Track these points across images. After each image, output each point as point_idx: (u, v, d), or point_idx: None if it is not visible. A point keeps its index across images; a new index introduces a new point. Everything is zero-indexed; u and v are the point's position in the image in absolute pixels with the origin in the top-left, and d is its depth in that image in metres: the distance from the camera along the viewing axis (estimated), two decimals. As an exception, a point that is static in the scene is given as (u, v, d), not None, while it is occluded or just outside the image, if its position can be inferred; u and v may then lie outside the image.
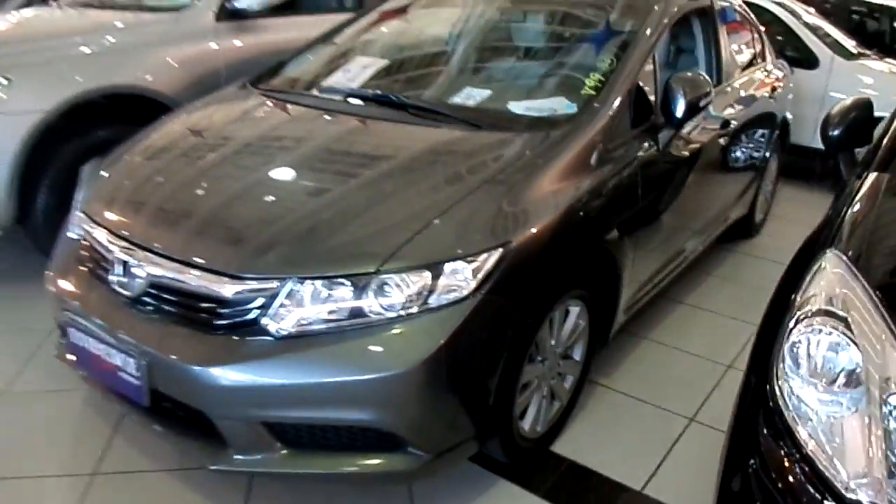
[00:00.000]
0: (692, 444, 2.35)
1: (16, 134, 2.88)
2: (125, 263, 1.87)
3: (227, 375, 1.66)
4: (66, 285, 2.03)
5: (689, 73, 2.51)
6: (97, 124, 3.13)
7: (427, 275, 1.68)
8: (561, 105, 2.31)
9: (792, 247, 4.00)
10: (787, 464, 1.20)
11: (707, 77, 2.55)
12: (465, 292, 1.70)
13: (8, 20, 3.58)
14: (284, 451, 1.75)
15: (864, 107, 2.11)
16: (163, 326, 1.78)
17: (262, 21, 3.72)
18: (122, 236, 1.91)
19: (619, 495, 2.11)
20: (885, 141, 1.86)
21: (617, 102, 2.29)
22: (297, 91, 2.68)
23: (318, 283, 1.68)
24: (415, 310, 1.67)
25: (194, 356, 1.69)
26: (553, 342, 2.10)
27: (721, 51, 3.19)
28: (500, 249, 1.76)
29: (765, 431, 1.27)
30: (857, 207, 1.63)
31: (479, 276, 1.72)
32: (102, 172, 2.27)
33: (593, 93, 2.31)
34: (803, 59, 5.16)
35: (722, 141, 3.07)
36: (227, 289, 1.70)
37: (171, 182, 2.08)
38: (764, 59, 3.92)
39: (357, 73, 2.66)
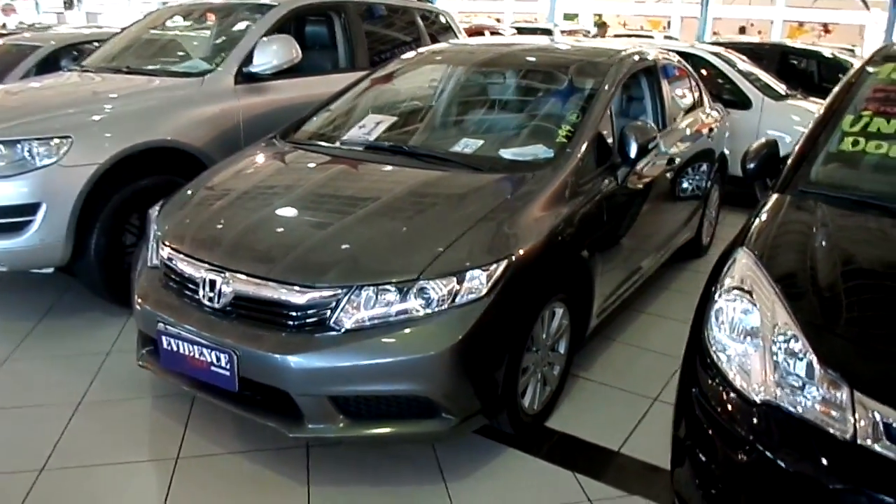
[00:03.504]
0: (657, 417, 2.92)
1: (77, 183, 3.38)
2: (212, 282, 2.40)
3: (306, 361, 2.19)
4: (157, 303, 2.54)
5: (639, 122, 3.16)
6: (139, 175, 3.65)
7: (454, 280, 2.25)
8: (540, 151, 2.93)
9: None
10: (715, 386, 1.79)
11: (653, 124, 3.21)
12: (482, 293, 2.27)
13: (58, 86, 4.09)
14: (345, 420, 2.27)
15: (773, 145, 2.76)
16: (248, 328, 2.31)
17: (272, 83, 4.29)
18: (207, 261, 2.44)
19: (601, 454, 2.67)
20: (784, 171, 2.50)
21: (584, 147, 2.91)
22: (322, 143, 3.26)
23: (372, 289, 2.24)
24: (445, 307, 2.23)
25: (280, 348, 2.22)
26: (544, 336, 2.67)
27: (665, 99, 3.87)
28: (506, 260, 2.34)
29: (700, 368, 1.86)
30: (762, 218, 2.25)
31: (492, 281, 2.29)
32: (178, 212, 2.79)
33: (565, 140, 2.94)
34: (738, 101, 5.94)
35: (669, 175, 3.72)
36: (302, 297, 2.25)
37: (242, 217, 2.62)
38: (702, 104, 4.63)
39: (371, 127, 3.25)
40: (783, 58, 7.74)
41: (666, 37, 19.18)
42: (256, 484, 2.46)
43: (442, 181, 2.73)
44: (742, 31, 28.76)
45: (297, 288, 2.26)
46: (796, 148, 2.57)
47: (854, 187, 2.35)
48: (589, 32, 15.10)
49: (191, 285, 2.49)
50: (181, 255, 2.55)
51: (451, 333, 2.22)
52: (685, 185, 4.04)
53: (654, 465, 2.60)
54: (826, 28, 26.75)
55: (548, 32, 13.92)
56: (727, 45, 7.24)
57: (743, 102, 5.97)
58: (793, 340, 1.75)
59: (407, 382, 2.22)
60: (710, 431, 1.81)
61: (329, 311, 2.25)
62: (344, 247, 2.37)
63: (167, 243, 2.65)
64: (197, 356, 2.38)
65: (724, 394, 1.78)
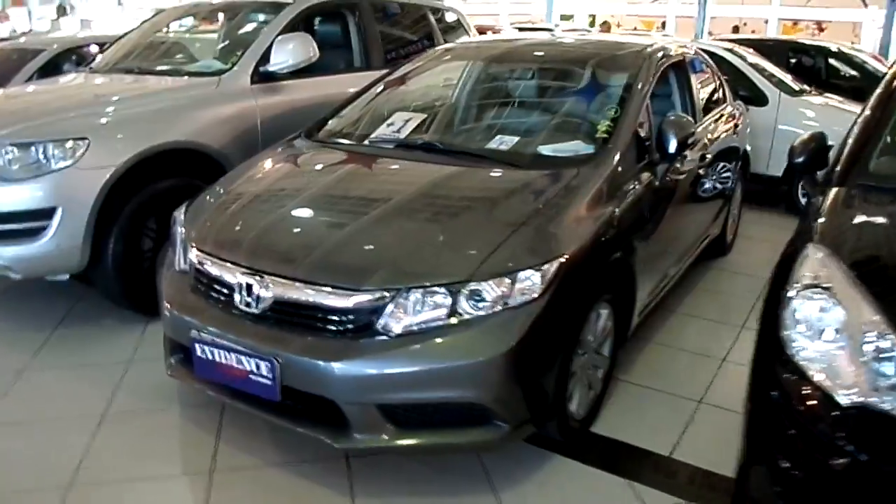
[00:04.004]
0: (704, 420, 2.83)
1: (94, 187, 3.26)
2: (250, 287, 2.28)
3: (354, 368, 2.09)
4: (189, 309, 2.42)
5: (677, 116, 3.07)
6: (157, 177, 3.53)
7: (507, 281, 2.15)
8: (580, 147, 2.84)
9: (757, 261, 4.81)
10: (798, 389, 1.69)
11: (690, 118, 3.12)
12: (535, 295, 2.17)
13: (70, 87, 3.97)
14: (393, 430, 2.16)
15: (820, 139, 2.68)
16: (291, 334, 2.20)
17: (289, 82, 4.18)
18: (244, 265, 2.32)
19: (652, 460, 2.57)
20: (838, 165, 2.41)
21: (625, 143, 2.82)
22: (350, 142, 3.16)
23: (421, 291, 2.13)
24: (499, 309, 2.13)
25: (327, 354, 2.11)
26: (591, 338, 2.57)
27: (694, 94, 3.78)
28: (558, 260, 2.24)
29: (780, 372, 1.76)
30: (827, 213, 2.16)
31: (545, 281, 2.19)
32: (208, 214, 2.68)
33: (605, 136, 2.84)
34: (753, 97, 5.86)
35: (700, 172, 3.63)
36: (349, 301, 2.14)
37: (279, 219, 2.51)
38: (725, 100, 4.55)
39: (400, 125, 3.14)
40: (791, 54, 7.68)
41: (664, 36, 19.14)
42: (299, 497, 2.35)
43: (484, 179, 2.63)
44: (735, 30, 28.80)
45: (342, 291, 2.15)
46: (849, 141, 2.48)
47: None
48: (588, 32, 15.05)
49: (225, 290, 2.38)
50: (214, 259, 2.44)
51: (505, 337, 2.11)
52: (714, 182, 3.95)
53: (708, 470, 2.50)
54: (820, 26, 26.79)
55: (548, 30, 13.84)
56: (736, 42, 7.18)
57: (758, 98, 5.89)
58: (882, 338, 1.66)
59: (460, 389, 2.12)
60: (794, 436, 1.72)
61: (376, 315, 2.14)
62: (391, 248, 2.27)
63: (197, 246, 2.54)
64: (235, 364, 2.26)
65: (809, 397, 1.68)
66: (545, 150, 2.84)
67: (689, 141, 3.01)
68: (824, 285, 1.82)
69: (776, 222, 5.71)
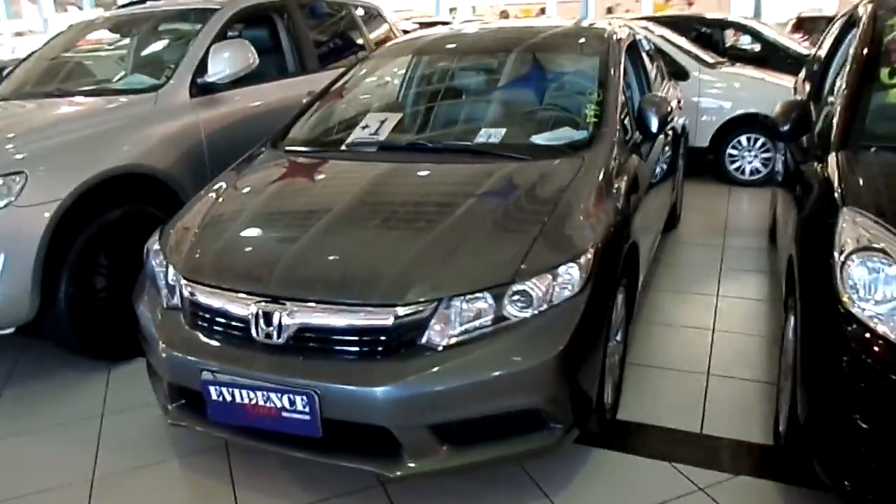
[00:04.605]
0: (720, 391, 2.86)
1: (38, 226, 2.91)
2: (267, 316, 2.08)
3: (406, 389, 1.94)
4: (195, 349, 2.18)
5: (654, 95, 3.08)
6: (103, 207, 3.20)
7: (549, 278, 2.06)
8: (572, 134, 2.79)
9: (703, 230, 4.95)
10: (873, 348, 1.71)
11: (665, 97, 3.14)
12: (577, 289, 2.10)
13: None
14: (448, 450, 2.03)
15: (802, 105, 2.76)
16: (327, 362, 2.02)
17: (228, 93, 3.91)
18: (258, 293, 2.11)
19: (687, 439, 2.56)
20: (834, 129, 2.48)
21: (616, 126, 2.80)
22: (325, 149, 2.96)
23: (463, 299, 2.01)
24: (544, 308, 2.04)
25: (374, 379, 1.94)
26: (614, 324, 2.53)
27: (648, 74, 3.84)
28: (593, 250, 2.18)
29: (851, 335, 1.78)
30: (843, 177, 2.21)
31: (584, 274, 2.12)
32: (193, 243, 2.42)
33: (596, 120, 2.81)
34: (675, 72, 6.05)
35: (666, 148, 3.69)
36: (389, 319, 1.98)
37: (285, 239, 2.31)
38: (664, 77, 4.66)
39: (376, 127, 2.98)
40: (697, 29, 8.01)
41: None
42: (347, 535, 2.18)
43: (490, 174, 2.52)
44: (609, 11, 29.93)
45: (379, 309, 2.00)
46: (837, 104, 2.56)
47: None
48: (486, 21, 15.12)
49: (237, 322, 2.16)
50: (216, 290, 2.21)
51: (557, 336, 2.02)
52: (673, 156, 4.04)
53: (744, 441, 2.53)
54: (689, 1, 28.30)
55: (446, 24, 13.79)
56: (648, 20, 7.40)
57: (680, 73, 6.09)
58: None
59: (517, 396, 2.01)
60: (870, 393, 1.74)
61: (419, 331, 2.00)
62: (423, 258, 2.12)
63: (190, 279, 2.30)
64: (262, 403, 2.06)
65: (882, 353, 1.70)
66: (538, 139, 2.77)
67: (668, 119, 3.02)
68: (875, 246, 1.85)
69: (707, 191, 5.94)
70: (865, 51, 2.62)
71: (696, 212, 5.30)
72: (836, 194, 2.14)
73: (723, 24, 8.22)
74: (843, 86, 2.59)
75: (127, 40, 4.47)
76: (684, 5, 28.88)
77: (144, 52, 4.26)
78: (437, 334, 2.00)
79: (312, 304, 2.05)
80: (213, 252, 2.35)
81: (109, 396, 3.06)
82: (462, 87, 3.32)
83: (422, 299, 2.00)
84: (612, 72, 3.06)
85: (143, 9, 4.48)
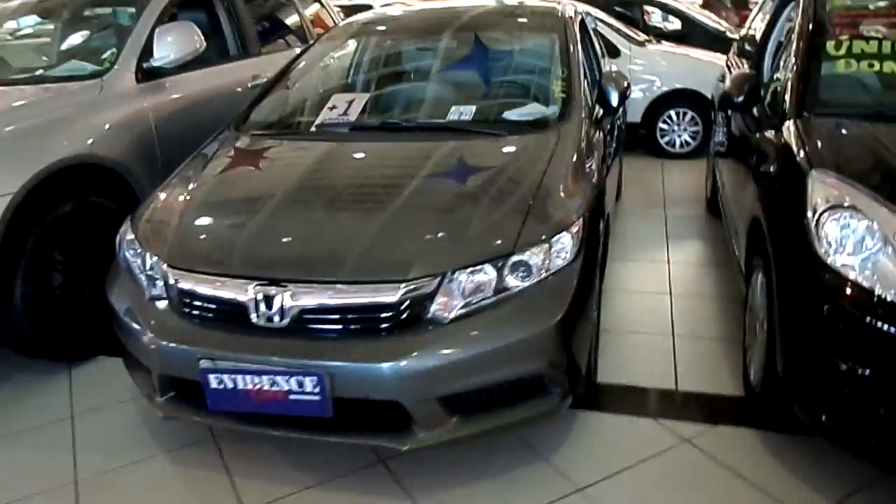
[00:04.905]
0: (687, 350, 3.03)
1: (-13, 223, 2.74)
2: (268, 299, 2.06)
3: (419, 363, 1.97)
4: (190, 338, 2.13)
5: (612, 71, 3.19)
6: (54, 201, 3.04)
7: (546, 247, 2.13)
8: (543, 110, 2.86)
9: (643, 201, 5.20)
10: (850, 293, 1.88)
11: (623, 72, 3.26)
12: (570, 257, 2.18)
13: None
14: (457, 420, 2.08)
15: (752, 77, 2.93)
16: (334, 342, 2.02)
17: (175, 77, 3.77)
18: (255, 277, 2.09)
19: (665, 396, 2.71)
20: (787, 99, 2.65)
21: (583, 101, 2.89)
22: (293, 131, 2.93)
23: (466, 272, 2.05)
24: (543, 276, 2.11)
25: (386, 355, 1.97)
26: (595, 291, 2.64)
27: (596, 51, 3.96)
28: (581, 220, 2.26)
29: (829, 285, 1.93)
30: (804, 142, 2.37)
31: (576, 243, 2.20)
32: (175, 230, 2.36)
33: (564, 96, 2.90)
34: (608, 50, 6.24)
35: (619, 122, 3.83)
36: (395, 295, 2.00)
37: (276, 221, 2.28)
38: (604, 55, 4.81)
39: (344, 108, 2.96)
40: (617, 7, 8.24)
41: None
42: (357, 514, 2.19)
43: (473, 150, 2.57)
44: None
45: (385, 286, 2.01)
46: (789, 76, 2.74)
47: (865, 103, 2.56)
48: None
49: (233, 308, 2.12)
50: (207, 277, 2.16)
51: (556, 303, 2.10)
52: (619, 130, 4.19)
53: (717, 394, 2.70)
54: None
55: (367, 8, 13.63)
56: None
57: (611, 51, 6.28)
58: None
59: (522, 363, 2.08)
60: (850, 340, 1.90)
61: (425, 305, 2.03)
62: (422, 233, 2.15)
63: (175, 266, 2.23)
64: (267, 387, 2.04)
65: (859, 300, 1.87)
66: (511, 115, 2.84)
67: (627, 94, 3.14)
68: (846, 203, 2.01)
69: (642, 164, 6.18)
70: (811, 26, 2.80)
71: (635, 184, 5.51)
72: (800, 159, 2.31)
73: (643, 2, 8.49)
74: (793, 59, 2.76)
75: (51, 25, 4.23)
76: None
77: (76, 37, 4.04)
78: (442, 308, 2.03)
79: (316, 285, 2.04)
80: (200, 238, 2.30)
81: (76, 397, 2.93)
82: (425, 66, 3.33)
83: (426, 274, 2.03)
84: (571, 48, 3.15)
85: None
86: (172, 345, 2.16)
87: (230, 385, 2.08)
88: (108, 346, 3.21)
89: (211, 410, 2.16)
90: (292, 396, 2.03)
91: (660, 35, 7.66)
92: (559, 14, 3.44)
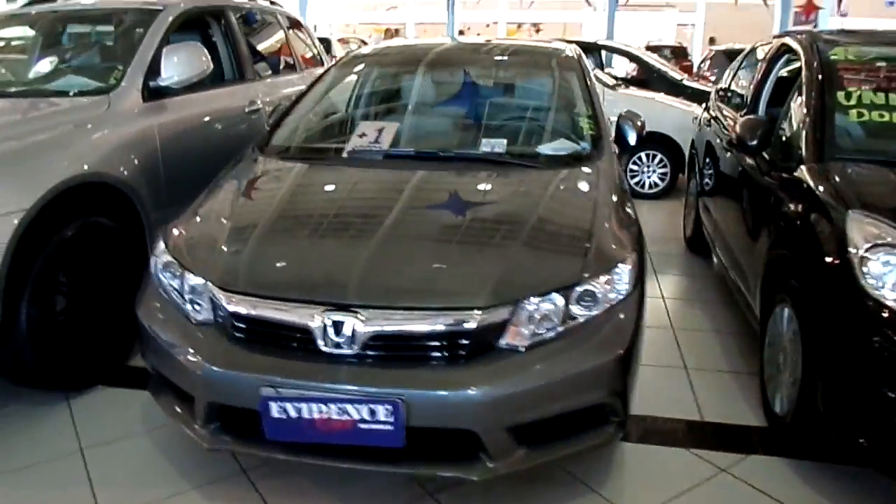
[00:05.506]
0: (704, 383, 3.10)
1: (0, 241, 2.57)
2: (337, 325, 2.01)
3: (496, 392, 1.96)
4: (251, 365, 2.05)
5: (630, 111, 3.32)
6: (60, 220, 2.88)
7: (609, 277, 2.18)
8: (574, 145, 2.95)
9: None
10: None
11: (637, 112, 3.40)
12: (630, 287, 2.23)
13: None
14: (525, 450, 2.07)
15: (767, 121, 3.11)
16: (408, 370, 1.99)
17: (180, 98, 3.67)
18: (328, 302, 2.04)
19: (694, 427, 2.77)
20: (804, 145, 2.82)
21: (610, 138, 3.00)
22: (323, 157, 2.91)
23: (537, 300, 2.07)
24: (608, 306, 2.15)
25: (464, 384, 1.95)
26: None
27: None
28: (635, 252, 2.33)
29: (879, 318, 2.05)
30: (833, 186, 2.53)
31: (634, 273, 2.26)
32: (226, 254, 2.29)
33: (593, 132, 2.99)
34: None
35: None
36: (472, 322, 2.00)
37: (342, 246, 2.26)
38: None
39: (374, 135, 2.96)
40: (598, 53, 8.59)
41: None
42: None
43: (518, 181, 2.62)
44: (461, 33, 31.19)
45: (462, 313, 2.00)
46: (800, 123, 2.92)
47: (876, 150, 2.75)
48: (363, 41, 15.19)
49: (296, 334, 2.06)
50: (269, 302, 2.10)
51: (622, 332, 2.14)
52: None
53: (741, 424, 2.78)
54: (537, 28, 30.21)
55: (325, 41, 13.66)
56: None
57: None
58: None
59: (589, 393, 2.10)
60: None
61: (498, 333, 2.03)
62: (491, 261, 2.17)
63: (231, 289, 2.15)
64: (336, 416, 1.98)
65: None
66: (545, 149, 2.90)
67: (643, 133, 3.27)
68: (885, 241, 2.15)
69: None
70: (820, 76, 3.00)
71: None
72: (829, 200, 2.45)
73: (602, 48, 8.88)
74: (804, 109, 2.94)
75: (39, 39, 4.05)
76: (532, 31, 30.83)
77: (71, 53, 3.88)
78: (515, 336, 2.04)
79: (389, 311, 2.01)
80: (256, 261, 2.23)
81: (80, 430, 2.74)
82: (451, 99, 3.36)
83: (500, 302, 2.04)
84: (591, 86, 3.27)
85: (59, 7, 4.09)
86: (227, 372, 2.07)
87: (294, 414, 2.00)
88: (108, 375, 3.07)
89: (268, 441, 2.07)
90: (362, 426, 1.97)
91: (620, 80, 8.01)
92: (571, 54, 3.56)
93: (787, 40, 3.64)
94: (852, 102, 2.87)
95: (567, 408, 2.08)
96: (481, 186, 2.56)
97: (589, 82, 3.29)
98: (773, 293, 2.78)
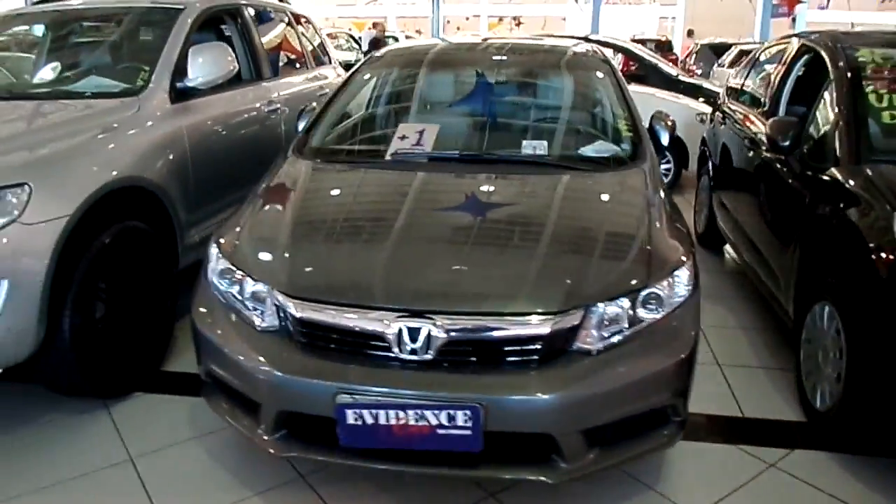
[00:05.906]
0: (738, 380, 3.16)
1: (46, 246, 2.53)
2: (413, 331, 2.02)
3: (571, 395, 1.99)
4: (324, 372, 2.05)
5: (660, 111, 3.36)
6: (104, 222, 2.84)
7: (671, 280, 2.21)
8: (613, 147, 2.98)
9: None
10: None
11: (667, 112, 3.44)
12: (690, 288, 2.27)
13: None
14: (597, 452, 2.10)
15: (797, 123, 3.17)
16: (485, 375, 2.01)
17: (205, 99, 3.64)
18: (404, 309, 2.05)
19: (737, 423, 2.83)
20: (839, 146, 2.88)
21: (648, 140, 3.03)
22: (366, 159, 2.92)
23: (607, 304, 2.10)
24: (671, 309, 2.19)
25: (541, 387, 1.97)
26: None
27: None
28: (692, 254, 2.36)
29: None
30: (876, 187, 2.59)
31: (693, 275, 2.30)
32: (297, 258, 2.30)
33: (631, 134, 3.02)
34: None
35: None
36: (547, 326, 2.02)
37: (410, 251, 2.26)
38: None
39: (416, 137, 2.95)
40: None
41: (407, 36, 19.89)
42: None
43: (571, 185, 2.64)
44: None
45: (536, 318, 2.02)
46: (832, 125, 2.98)
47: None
48: (352, 36, 15.08)
49: (370, 340, 2.07)
50: (340, 308, 2.10)
51: (687, 333, 2.19)
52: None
53: (782, 419, 2.85)
54: (518, 21, 30.32)
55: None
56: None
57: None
58: None
59: (657, 394, 2.14)
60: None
61: (570, 337, 2.06)
62: (556, 264, 2.19)
63: (298, 296, 2.15)
64: (413, 422, 1.99)
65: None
66: (587, 151, 2.93)
67: (674, 133, 3.31)
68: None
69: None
70: (851, 78, 3.07)
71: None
72: (876, 201, 2.51)
73: (598, 44, 8.90)
74: (836, 109, 3.00)
75: (49, 38, 3.98)
76: (513, 25, 30.91)
77: (92, 53, 3.82)
78: (590, 339, 2.07)
79: (464, 317, 2.03)
80: (323, 267, 2.23)
81: (126, 438, 2.71)
82: (489, 100, 3.35)
83: (572, 306, 2.06)
84: (624, 86, 3.30)
85: (77, 5, 4.01)
86: (300, 379, 2.07)
87: (370, 421, 2.01)
88: (145, 381, 3.04)
89: (340, 447, 2.08)
90: (440, 431, 1.99)
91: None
92: (601, 55, 3.59)
93: (808, 41, 3.70)
94: (884, 105, 2.94)
95: (637, 410, 2.11)
96: (537, 191, 2.58)
97: (621, 82, 3.32)
98: (809, 291, 2.85)
